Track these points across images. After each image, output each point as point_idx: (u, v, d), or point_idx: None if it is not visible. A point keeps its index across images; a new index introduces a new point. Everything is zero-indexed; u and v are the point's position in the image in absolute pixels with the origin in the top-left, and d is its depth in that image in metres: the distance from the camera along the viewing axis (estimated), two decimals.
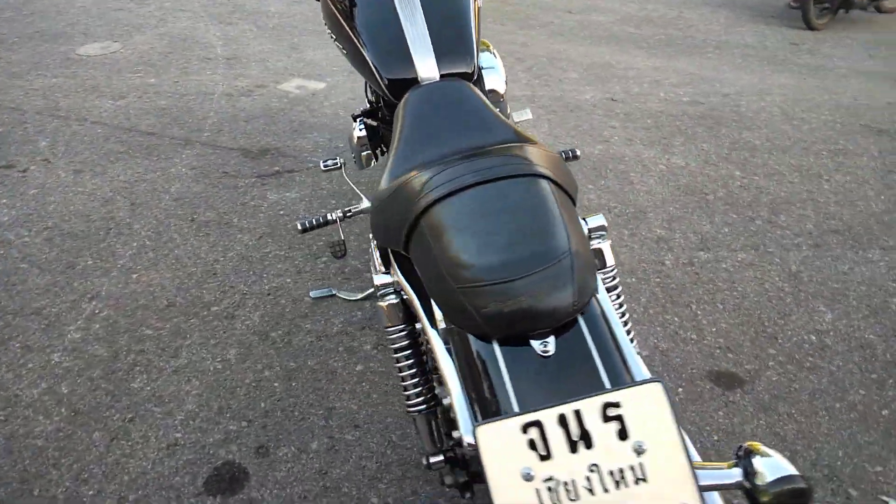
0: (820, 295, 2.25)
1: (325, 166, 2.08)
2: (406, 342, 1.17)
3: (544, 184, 0.98)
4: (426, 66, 1.46)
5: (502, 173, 0.97)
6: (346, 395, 1.77)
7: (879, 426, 1.73)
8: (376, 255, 1.28)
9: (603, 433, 0.75)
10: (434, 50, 1.47)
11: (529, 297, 0.82)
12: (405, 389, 1.18)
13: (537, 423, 0.75)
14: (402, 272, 1.14)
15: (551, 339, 0.85)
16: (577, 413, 0.76)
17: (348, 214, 1.97)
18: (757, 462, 0.75)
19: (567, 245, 0.87)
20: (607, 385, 0.83)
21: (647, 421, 0.76)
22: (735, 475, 0.76)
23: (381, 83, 1.50)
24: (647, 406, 0.76)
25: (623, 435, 0.75)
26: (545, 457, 0.75)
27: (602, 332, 0.87)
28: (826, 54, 5.14)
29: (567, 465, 0.75)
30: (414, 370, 1.17)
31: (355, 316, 2.04)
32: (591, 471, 0.75)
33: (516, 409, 0.81)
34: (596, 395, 0.76)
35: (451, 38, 1.49)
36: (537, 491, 0.73)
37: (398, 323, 1.16)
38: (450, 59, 1.47)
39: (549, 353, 0.84)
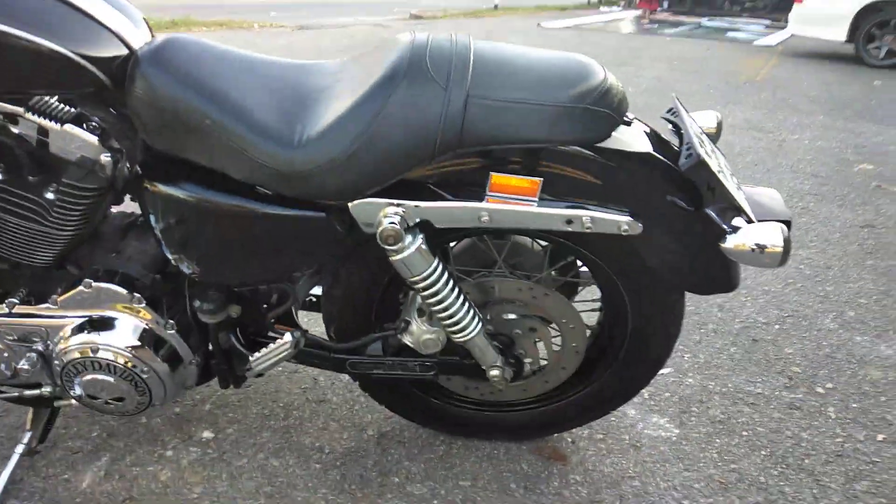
0: None
1: None
2: (446, 276, 1.11)
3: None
4: (132, 34, 1.07)
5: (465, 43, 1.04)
6: None
7: None
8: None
9: None
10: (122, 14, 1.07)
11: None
12: (457, 323, 1.14)
13: None
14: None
15: None
16: None
17: None
18: None
19: None
20: None
21: None
22: None
23: (86, 71, 0.99)
24: None
25: None
26: None
27: None
28: None
29: None
30: (462, 296, 1.14)
31: None
32: None
33: None
34: None
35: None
36: None
37: (430, 261, 1.08)
38: (131, 22, 1.09)
39: None
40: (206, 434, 1.47)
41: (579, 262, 1.30)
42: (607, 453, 1.48)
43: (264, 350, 1.21)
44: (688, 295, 1.23)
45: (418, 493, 1.35)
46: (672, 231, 1.09)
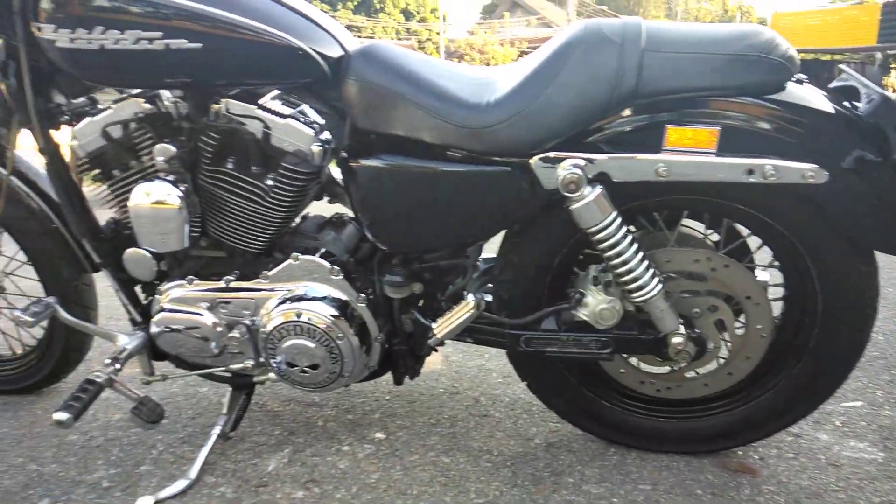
0: None
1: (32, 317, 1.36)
2: (625, 229, 1.14)
3: None
4: (346, 38, 1.27)
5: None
6: None
7: None
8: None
9: None
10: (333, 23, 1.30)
11: None
12: (636, 280, 1.16)
13: None
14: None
15: None
16: None
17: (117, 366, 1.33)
18: None
19: None
20: None
21: None
22: None
23: (316, 63, 1.22)
24: None
25: None
26: None
27: None
28: None
29: None
30: (642, 252, 1.16)
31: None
32: None
33: None
34: None
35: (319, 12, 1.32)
36: None
37: (609, 210, 1.12)
38: (341, 29, 1.30)
39: None
40: (379, 435, 1.50)
41: (754, 241, 1.28)
42: (802, 470, 1.34)
43: (447, 314, 1.26)
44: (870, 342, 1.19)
45: (595, 493, 1.28)
46: (859, 184, 1.07)
